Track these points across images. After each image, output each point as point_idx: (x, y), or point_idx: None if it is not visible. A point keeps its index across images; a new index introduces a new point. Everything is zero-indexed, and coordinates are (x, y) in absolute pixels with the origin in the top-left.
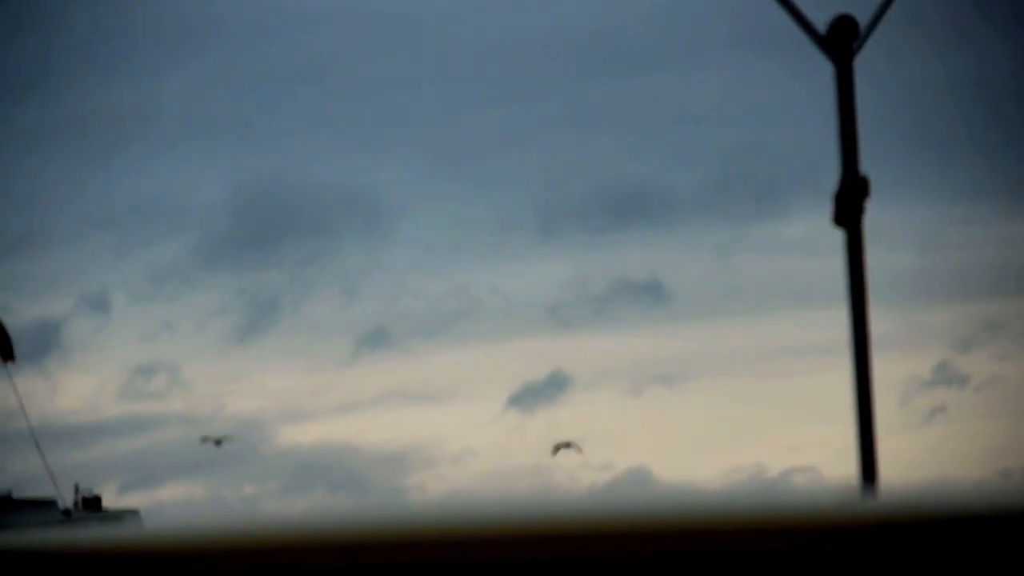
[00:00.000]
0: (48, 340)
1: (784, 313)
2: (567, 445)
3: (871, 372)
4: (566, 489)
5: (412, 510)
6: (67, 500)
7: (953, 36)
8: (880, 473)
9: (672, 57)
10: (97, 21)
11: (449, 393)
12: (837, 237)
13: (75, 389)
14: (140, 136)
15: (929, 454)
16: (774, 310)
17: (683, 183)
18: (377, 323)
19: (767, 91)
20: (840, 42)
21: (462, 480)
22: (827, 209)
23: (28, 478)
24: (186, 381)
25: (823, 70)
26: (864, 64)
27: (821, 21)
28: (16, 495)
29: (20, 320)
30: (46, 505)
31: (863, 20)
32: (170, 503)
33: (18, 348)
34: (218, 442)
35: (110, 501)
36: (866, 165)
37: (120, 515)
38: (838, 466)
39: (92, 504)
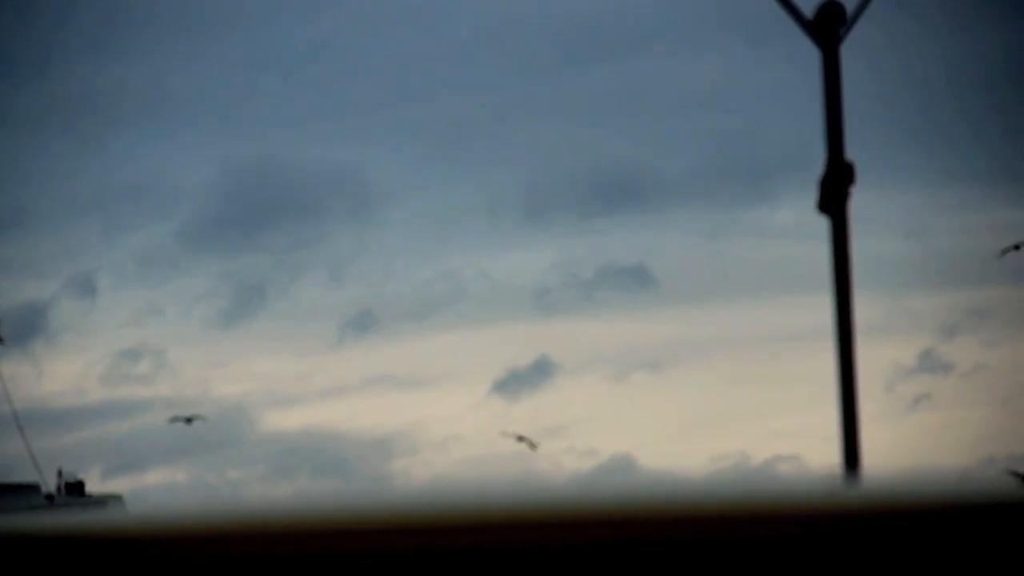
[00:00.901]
0: (34, 323)
1: (771, 299)
2: (520, 439)
3: (855, 359)
4: (549, 475)
5: (396, 495)
6: (50, 485)
7: (940, 23)
8: (864, 460)
9: (662, 43)
10: (88, 6)
11: (434, 378)
12: (825, 223)
13: (61, 372)
14: (128, 120)
15: (913, 441)
16: (761, 296)
17: (671, 168)
18: (364, 307)
19: (757, 77)
20: (827, 28)
21: (446, 466)
22: (815, 195)
23: (11, 463)
24: (172, 365)
25: (813, 56)
26: (852, 50)
27: (809, 7)
28: (0, 480)
29: (7, 303)
30: (29, 490)
31: (850, 6)
32: (154, 488)
33: (5, 331)
34: (188, 420)
35: (94, 486)
36: (853, 151)
37: (103, 500)
38: (822, 453)
39: (75, 489)
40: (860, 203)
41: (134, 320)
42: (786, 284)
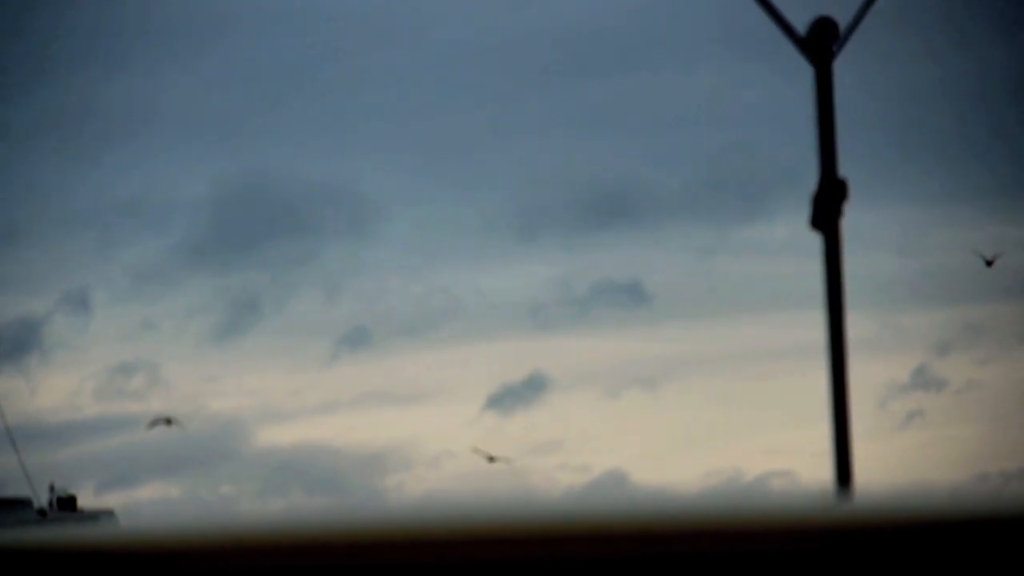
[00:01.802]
0: (28, 338)
1: (765, 316)
2: (492, 459)
3: (847, 376)
4: (543, 491)
5: (389, 511)
6: (42, 500)
7: (935, 38)
8: (856, 477)
9: (656, 58)
10: (82, 20)
11: (428, 394)
12: (818, 240)
13: (54, 388)
14: (123, 135)
15: (906, 458)
16: (755, 313)
17: (666, 184)
18: (358, 323)
19: (751, 93)
20: (820, 44)
21: (440, 481)
22: (807, 212)
23: (4, 478)
24: (166, 381)
25: (807, 72)
26: (845, 66)
27: (802, 23)
28: None
29: (0, 317)
30: (21, 504)
31: (843, 22)
32: (147, 503)
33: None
34: (168, 422)
35: (87, 501)
36: (846, 167)
37: (95, 515)
38: (815, 470)
39: (67, 504)
40: (853, 220)
41: (128, 335)
42: (779, 301)
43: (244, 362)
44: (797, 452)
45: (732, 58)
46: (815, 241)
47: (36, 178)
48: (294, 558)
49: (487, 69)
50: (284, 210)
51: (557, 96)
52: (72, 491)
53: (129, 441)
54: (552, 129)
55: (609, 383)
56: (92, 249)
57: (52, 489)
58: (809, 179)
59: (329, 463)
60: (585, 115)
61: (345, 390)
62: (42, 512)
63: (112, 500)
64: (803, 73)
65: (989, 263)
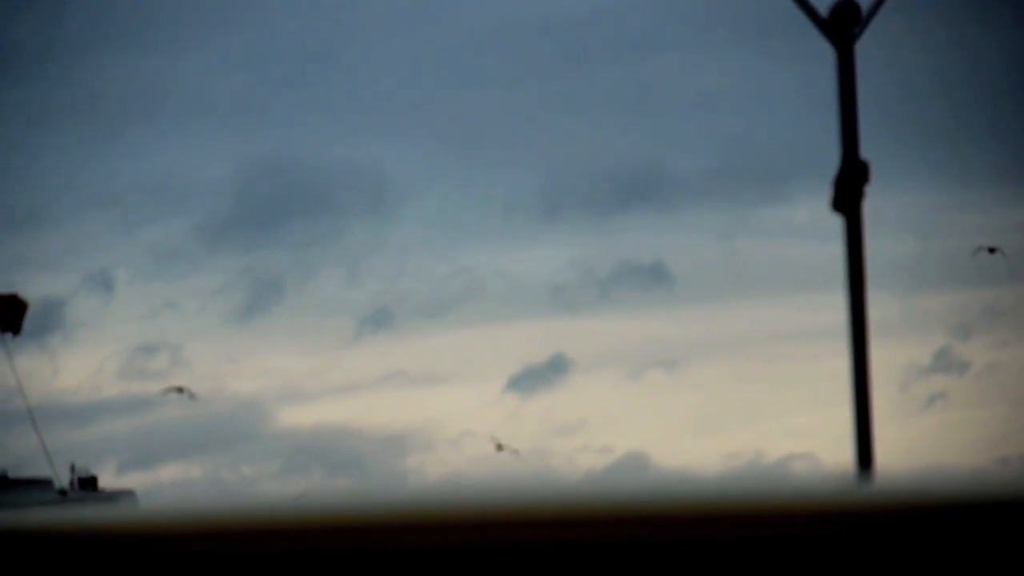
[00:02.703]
0: (51, 318)
1: (787, 298)
2: (500, 448)
3: (868, 358)
4: (564, 473)
5: (410, 492)
6: (63, 480)
7: (957, 20)
8: (878, 459)
9: (678, 40)
10: (103, 1)
11: (450, 375)
12: (839, 222)
13: (77, 368)
14: (145, 115)
15: (928, 441)
16: (777, 295)
17: (688, 166)
18: (380, 304)
19: (772, 75)
20: (842, 26)
21: (461, 462)
22: (829, 194)
23: (25, 457)
24: (187, 360)
25: (829, 54)
26: (867, 49)
27: (824, 6)
28: (12, 474)
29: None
30: (42, 484)
31: (865, 5)
32: (168, 484)
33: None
34: (180, 390)
35: (108, 481)
36: (868, 150)
37: (116, 495)
38: (836, 452)
39: (88, 484)
40: (875, 202)
41: (150, 315)
42: (801, 283)
43: (265, 342)
44: (818, 434)
45: (755, 40)
46: (837, 223)
47: (59, 159)
48: (313, 539)
49: (511, 50)
50: (306, 190)
51: (580, 78)
52: (93, 471)
53: (151, 421)
54: (575, 111)
55: (631, 365)
56: (115, 229)
57: (73, 469)
58: (831, 161)
59: (350, 444)
60: (608, 97)
61: (366, 371)
62: (63, 492)
63: (133, 480)
64: (825, 55)
65: (992, 251)
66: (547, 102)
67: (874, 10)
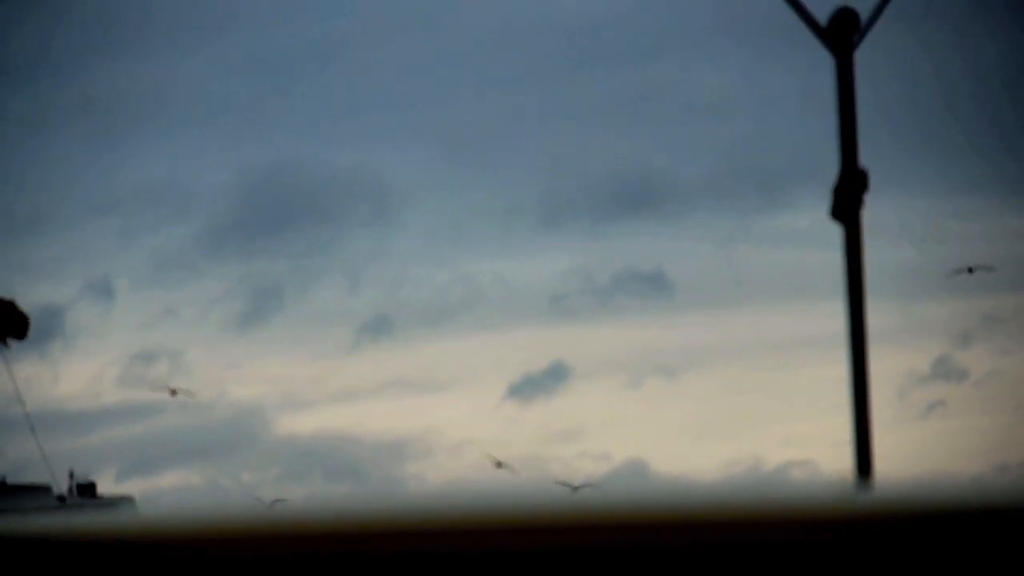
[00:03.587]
0: (52, 325)
1: (786, 305)
2: (499, 464)
3: (867, 366)
4: (562, 479)
5: (409, 499)
6: (61, 486)
7: (956, 29)
8: (877, 467)
9: (677, 48)
10: (105, 8)
11: (449, 382)
12: (838, 230)
13: (77, 375)
14: (146, 121)
15: (927, 448)
16: (776, 302)
17: (687, 174)
18: (380, 311)
19: (772, 83)
20: (841, 35)
21: (460, 470)
22: (828, 202)
23: (25, 464)
24: (188, 368)
25: (828, 63)
26: (866, 57)
27: (823, 14)
28: (11, 481)
29: (24, 305)
30: (40, 491)
31: (864, 13)
32: (168, 490)
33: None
34: (173, 392)
35: (108, 488)
36: (867, 158)
37: (114, 501)
38: (835, 460)
39: (86, 490)
40: (874, 210)
41: (150, 322)
42: (800, 290)
43: (265, 350)
44: (817, 442)
45: (754, 49)
46: (836, 231)
47: (59, 166)
48: (311, 545)
49: (511, 58)
50: (307, 198)
51: (580, 85)
52: (91, 478)
53: (151, 428)
54: (575, 118)
55: (630, 372)
56: (115, 237)
57: (72, 476)
58: (830, 169)
59: (350, 451)
60: (608, 105)
61: (366, 378)
62: (61, 498)
63: (133, 487)
64: (826, 63)
65: (970, 271)
66: (547, 110)
67: (873, 18)
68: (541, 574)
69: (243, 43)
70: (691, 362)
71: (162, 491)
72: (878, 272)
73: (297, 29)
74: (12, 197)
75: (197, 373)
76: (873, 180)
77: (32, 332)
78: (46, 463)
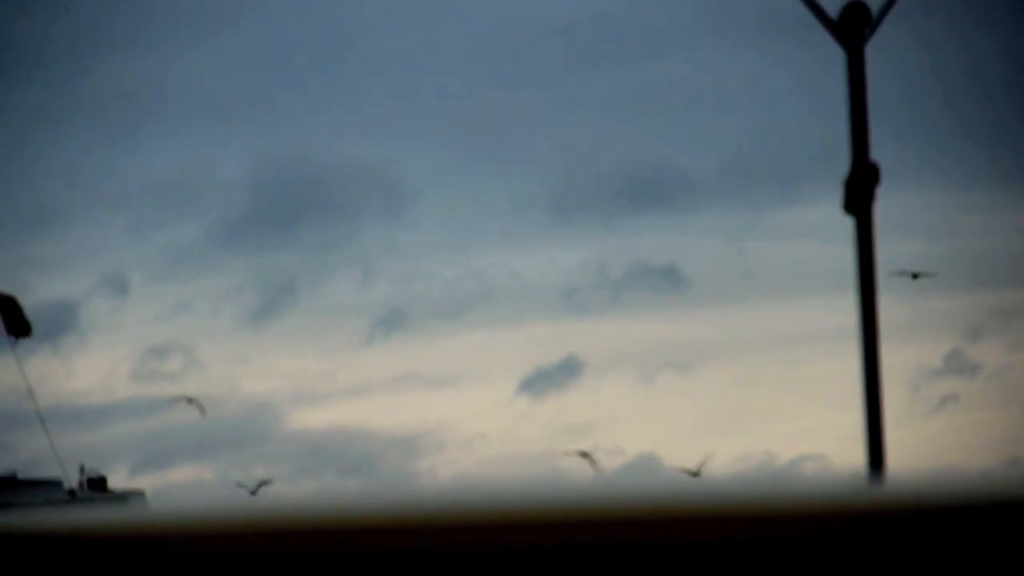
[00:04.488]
0: (65, 320)
1: (798, 300)
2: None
3: (879, 360)
4: (574, 475)
5: (421, 494)
6: (72, 481)
7: (967, 22)
8: (889, 461)
9: (689, 42)
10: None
11: (462, 377)
12: (850, 224)
13: (90, 370)
14: (159, 115)
15: (939, 442)
16: (788, 297)
17: (699, 168)
18: (393, 306)
19: (784, 77)
20: (852, 28)
21: (472, 464)
22: (840, 196)
23: (36, 458)
24: (200, 362)
25: (839, 56)
26: (877, 51)
27: (834, 7)
28: (23, 475)
29: (38, 300)
30: (51, 485)
31: (875, 7)
32: (180, 485)
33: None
34: (189, 400)
35: (120, 482)
36: (878, 152)
37: (125, 496)
38: (847, 454)
39: (97, 485)
40: (885, 204)
41: (163, 317)
42: (812, 285)
43: (278, 344)
44: (829, 436)
45: (765, 42)
46: (848, 225)
47: (72, 160)
48: (324, 540)
49: (525, 52)
50: (320, 192)
51: (593, 79)
52: (103, 472)
53: (163, 423)
54: (587, 112)
55: (643, 367)
56: (128, 231)
57: (82, 470)
58: (842, 163)
59: (362, 446)
60: (621, 99)
61: (379, 372)
62: (71, 493)
63: (145, 482)
64: (835, 57)
65: (915, 276)
66: (559, 104)
67: (884, 12)
68: (554, 569)
69: (257, 36)
70: (704, 357)
71: (174, 486)
72: (889, 266)
73: (309, 22)
74: (25, 192)
75: (210, 368)
76: (884, 174)
77: (45, 327)
78: (57, 458)
